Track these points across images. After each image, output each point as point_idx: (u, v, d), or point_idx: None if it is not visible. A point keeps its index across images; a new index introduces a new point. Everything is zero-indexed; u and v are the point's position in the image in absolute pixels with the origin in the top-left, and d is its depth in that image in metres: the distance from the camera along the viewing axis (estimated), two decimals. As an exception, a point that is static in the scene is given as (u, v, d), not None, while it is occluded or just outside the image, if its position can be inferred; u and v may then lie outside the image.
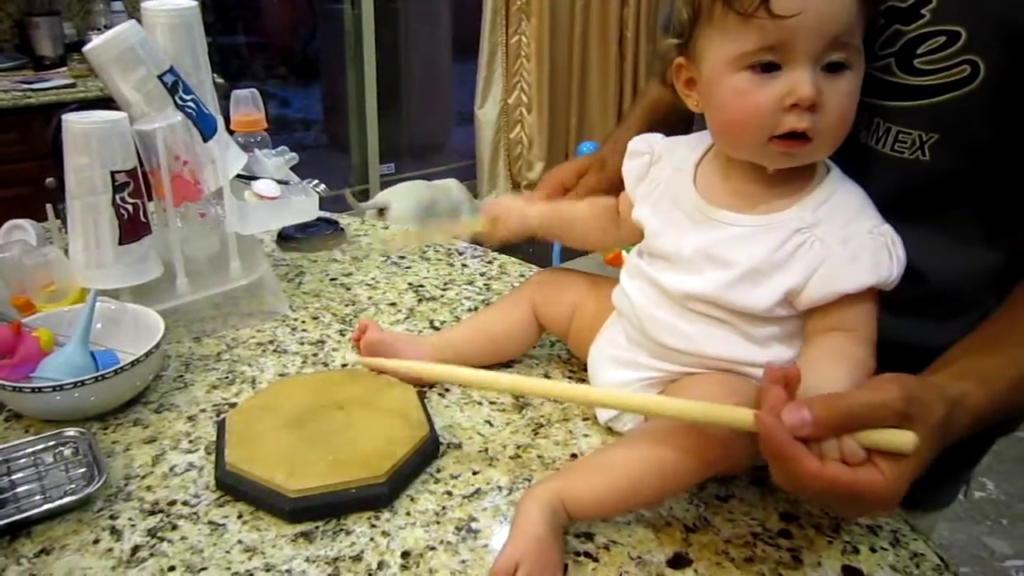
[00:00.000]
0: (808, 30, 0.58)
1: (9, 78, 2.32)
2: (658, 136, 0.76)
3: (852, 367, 0.60)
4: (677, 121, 0.78)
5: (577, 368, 0.85)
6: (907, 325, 0.69)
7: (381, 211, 2.61)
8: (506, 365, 0.85)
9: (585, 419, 0.77)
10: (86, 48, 0.84)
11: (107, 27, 2.44)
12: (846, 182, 0.65)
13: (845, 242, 0.61)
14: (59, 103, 2.18)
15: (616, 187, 0.79)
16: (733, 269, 0.64)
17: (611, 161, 0.91)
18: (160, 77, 0.85)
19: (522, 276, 1.08)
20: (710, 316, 0.65)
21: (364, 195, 3.21)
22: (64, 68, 2.43)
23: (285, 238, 1.15)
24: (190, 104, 0.88)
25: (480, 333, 0.84)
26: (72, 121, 0.81)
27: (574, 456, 0.72)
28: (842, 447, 0.51)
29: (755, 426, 0.53)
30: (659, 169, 0.74)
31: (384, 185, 3.52)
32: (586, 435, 0.74)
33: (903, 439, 0.51)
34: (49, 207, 0.96)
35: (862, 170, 0.66)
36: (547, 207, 0.86)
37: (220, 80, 2.46)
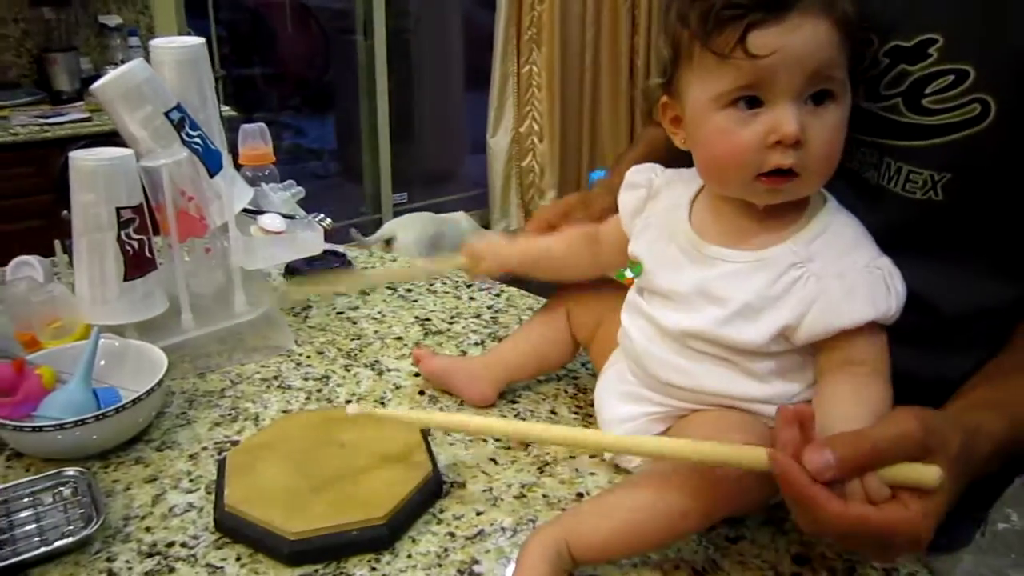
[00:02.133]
0: (787, 67, 0.57)
1: (27, 112, 2.36)
2: (658, 168, 0.75)
3: (870, 401, 0.58)
4: (674, 160, 0.77)
5: (584, 404, 0.84)
6: (919, 356, 0.67)
7: (388, 242, 2.64)
8: (512, 401, 0.85)
9: (592, 457, 0.75)
10: (93, 86, 0.85)
11: (124, 62, 2.48)
12: (841, 214, 0.64)
13: (841, 276, 0.60)
14: (75, 136, 2.21)
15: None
16: (727, 306, 0.62)
17: (598, 201, 0.90)
18: (167, 114, 0.85)
19: (530, 309, 1.07)
20: (708, 353, 0.64)
21: (377, 224, 3.22)
22: (81, 102, 2.46)
23: (292, 271, 1.15)
24: (196, 140, 0.89)
25: (527, 347, 0.86)
26: (79, 159, 0.81)
27: (580, 496, 0.70)
28: (866, 485, 0.49)
29: (770, 466, 0.51)
30: (655, 203, 0.73)
31: (396, 214, 3.54)
32: (592, 473, 0.73)
33: (928, 473, 0.49)
34: (57, 243, 0.97)
35: (873, 209, 0.65)
36: (524, 244, 0.86)
37: (235, 112, 2.50)
